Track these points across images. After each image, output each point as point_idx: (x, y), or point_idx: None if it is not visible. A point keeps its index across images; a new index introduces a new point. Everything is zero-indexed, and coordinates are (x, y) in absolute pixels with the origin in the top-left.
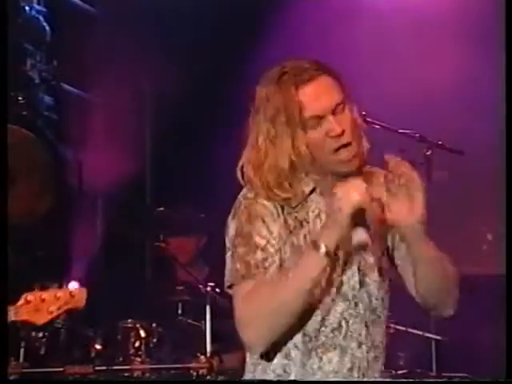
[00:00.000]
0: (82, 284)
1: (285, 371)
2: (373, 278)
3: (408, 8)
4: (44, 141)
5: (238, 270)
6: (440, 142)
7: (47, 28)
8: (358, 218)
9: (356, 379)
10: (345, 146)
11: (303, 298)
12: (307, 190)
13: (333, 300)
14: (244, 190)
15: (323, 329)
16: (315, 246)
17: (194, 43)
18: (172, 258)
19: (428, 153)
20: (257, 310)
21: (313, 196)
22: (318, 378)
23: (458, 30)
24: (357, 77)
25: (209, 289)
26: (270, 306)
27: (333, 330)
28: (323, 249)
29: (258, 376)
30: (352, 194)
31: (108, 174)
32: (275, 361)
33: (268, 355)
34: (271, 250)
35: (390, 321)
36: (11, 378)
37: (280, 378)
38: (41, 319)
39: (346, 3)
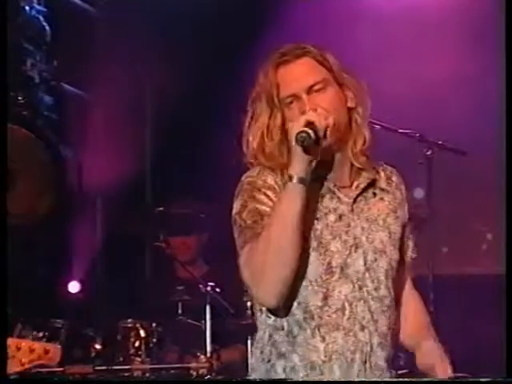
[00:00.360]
0: (82, 283)
1: (288, 350)
2: (380, 264)
3: (409, 7)
4: (44, 141)
5: (246, 236)
6: (440, 142)
7: (47, 28)
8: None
9: (359, 362)
10: None
11: (293, 232)
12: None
13: (337, 279)
14: (244, 175)
15: (326, 308)
16: (288, 178)
17: (193, 42)
18: (172, 258)
19: (428, 153)
20: (258, 260)
21: (316, 183)
22: (321, 357)
23: (459, 29)
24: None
25: (209, 288)
26: (266, 254)
27: (336, 311)
28: (295, 178)
29: (265, 357)
30: (301, 118)
31: (108, 173)
32: (279, 338)
33: (271, 334)
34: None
35: None
36: (11, 377)
37: (284, 357)
38: (12, 367)
39: (347, 2)
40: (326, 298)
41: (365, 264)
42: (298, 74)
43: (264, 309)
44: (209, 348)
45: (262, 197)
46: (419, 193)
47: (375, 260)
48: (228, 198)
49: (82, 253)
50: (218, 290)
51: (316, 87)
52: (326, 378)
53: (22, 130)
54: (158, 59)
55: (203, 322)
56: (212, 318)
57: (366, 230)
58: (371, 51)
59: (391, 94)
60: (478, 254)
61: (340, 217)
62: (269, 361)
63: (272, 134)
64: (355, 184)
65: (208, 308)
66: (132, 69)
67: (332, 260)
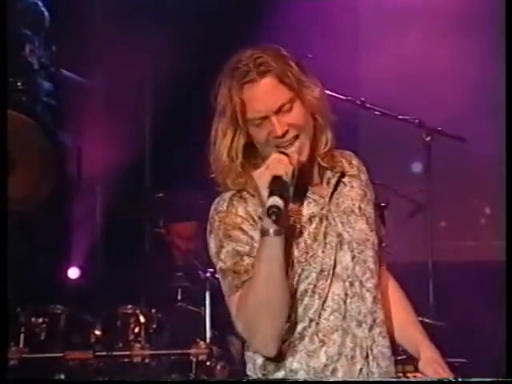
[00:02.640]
0: (81, 270)
1: (288, 360)
2: (367, 253)
3: None
4: (43, 127)
5: (231, 282)
6: (440, 128)
7: (46, 13)
8: (280, 187)
9: (359, 358)
10: (291, 142)
11: (278, 283)
12: None
13: (330, 282)
14: (215, 202)
15: (322, 312)
16: (263, 232)
17: (194, 26)
18: (171, 244)
19: (427, 139)
20: (248, 318)
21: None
22: (322, 361)
23: (459, 17)
24: (357, 64)
25: (208, 275)
26: (256, 309)
27: (332, 312)
28: (271, 232)
29: (261, 363)
30: (264, 169)
31: (107, 159)
32: (284, 361)
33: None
34: (255, 254)
35: None
36: (11, 363)
37: (284, 367)
38: None
39: None
40: (321, 302)
41: (352, 259)
42: (265, 95)
43: None
44: (208, 334)
45: (238, 233)
46: (418, 179)
47: (361, 251)
48: None
49: (82, 239)
50: (217, 276)
51: (283, 108)
52: (325, 378)
53: (21, 116)
54: (157, 44)
55: (203, 308)
56: (212, 305)
57: (346, 223)
58: (372, 39)
59: (390, 81)
60: (476, 228)
61: (320, 220)
62: (267, 371)
63: (236, 155)
64: (325, 180)
65: (208, 294)
66: (131, 54)
67: (322, 265)
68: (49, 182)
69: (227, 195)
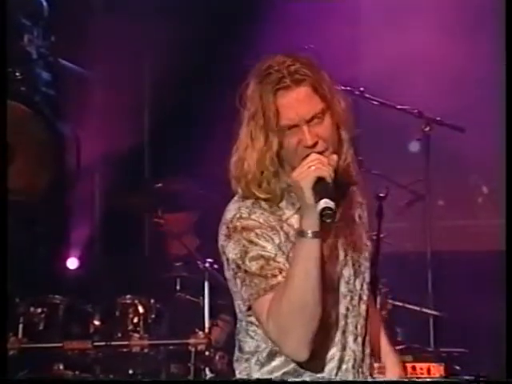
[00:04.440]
0: (80, 260)
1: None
2: (364, 264)
3: None
4: (42, 117)
5: (258, 285)
6: (439, 118)
7: (44, 3)
8: (324, 189)
9: (351, 370)
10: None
11: (315, 286)
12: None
13: (332, 296)
14: (232, 208)
15: (324, 327)
16: (301, 234)
17: (194, 17)
18: (170, 234)
19: (426, 129)
20: (282, 320)
21: None
22: (324, 375)
23: (458, 9)
24: (357, 54)
25: (207, 265)
26: (291, 311)
27: (332, 327)
28: (309, 233)
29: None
30: (306, 168)
31: (106, 149)
32: (278, 363)
33: (269, 357)
34: (281, 259)
35: (388, 297)
36: (10, 353)
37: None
38: None
39: None
40: (323, 317)
41: (355, 273)
42: (299, 104)
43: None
44: (207, 324)
45: (262, 239)
46: (417, 169)
47: (359, 263)
48: (227, 173)
49: (81, 229)
50: (216, 266)
51: (315, 119)
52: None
53: (19, 106)
54: (156, 34)
55: (201, 298)
56: (210, 294)
57: (349, 236)
58: (372, 29)
59: (390, 71)
60: (474, 207)
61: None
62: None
63: (268, 162)
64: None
65: (206, 284)
66: (130, 44)
67: (327, 280)
68: (47, 173)
69: (248, 203)
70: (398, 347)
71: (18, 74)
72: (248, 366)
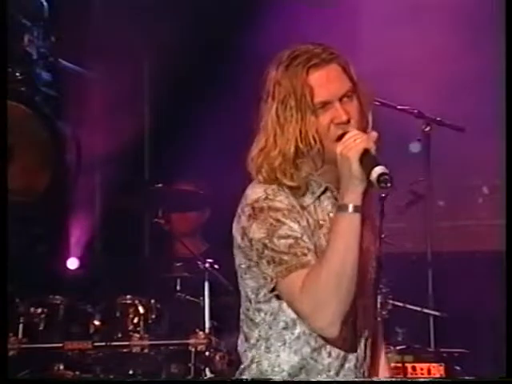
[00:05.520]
0: (80, 260)
1: (298, 368)
2: (372, 264)
3: None
4: (42, 117)
5: (289, 262)
6: (439, 119)
7: (45, 4)
8: (371, 161)
9: (354, 369)
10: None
11: (355, 260)
12: (318, 191)
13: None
14: (255, 192)
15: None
16: (342, 208)
17: (194, 17)
18: (171, 235)
19: (426, 129)
20: (320, 294)
21: (325, 196)
22: (331, 374)
23: (458, 9)
24: (357, 54)
25: (207, 265)
26: (329, 284)
27: (346, 325)
28: (351, 207)
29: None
30: (352, 141)
31: (106, 149)
32: (286, 358)
33: (278, 350)
34: (308, 240)
35: (389, 297)
36: (10, 353)
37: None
38: None
39: None
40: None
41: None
42: (332, 80)
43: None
44: (207, 324)
45: (288, 219)
46: (418, 169)
47: (371, 261)
48: (228, 175)
49: (81, 229)
50: (216, 266)
51: (345, 97)
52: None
53: (20, 106)
54: (156, 34)
55: (202, 298)
56: (211, 295)
57: (365, 234)
58: (371, 29)
59: (390, 71)
60: (474, 207)
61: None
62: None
63: (309, 141)
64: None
65: (207, 284)
66: (130, 44)
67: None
68: (47, 173)
69: (273, 186)
70: (398, 347)
71: (18, 74)
72: (257, 354)
